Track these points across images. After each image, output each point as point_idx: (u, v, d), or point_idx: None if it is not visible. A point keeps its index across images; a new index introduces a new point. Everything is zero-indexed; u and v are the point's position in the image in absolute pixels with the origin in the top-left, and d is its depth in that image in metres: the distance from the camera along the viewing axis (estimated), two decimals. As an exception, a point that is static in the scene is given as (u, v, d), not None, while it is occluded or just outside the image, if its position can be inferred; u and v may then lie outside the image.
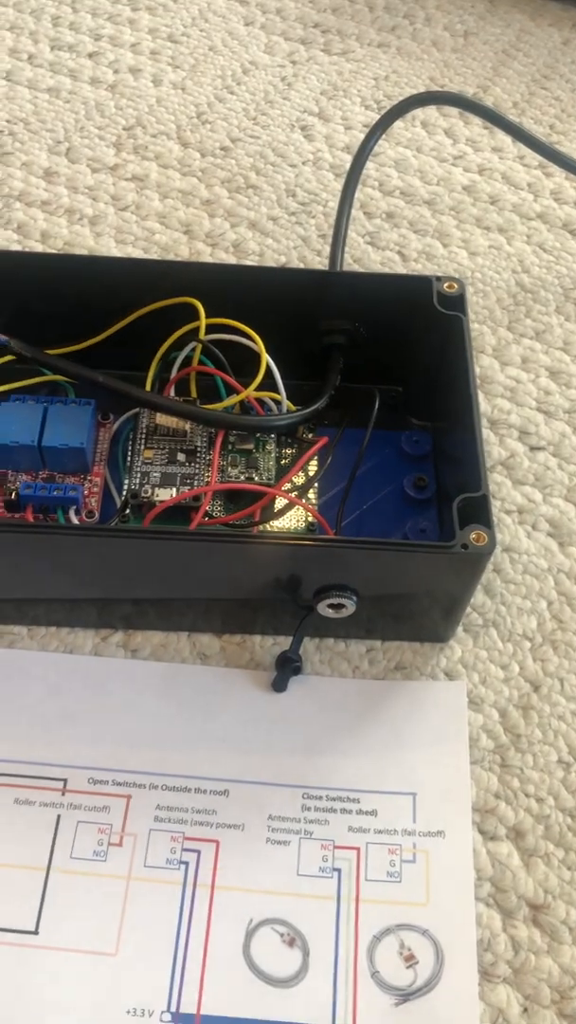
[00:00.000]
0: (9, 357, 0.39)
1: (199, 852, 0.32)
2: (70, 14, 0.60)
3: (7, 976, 0.30)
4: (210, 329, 0.39)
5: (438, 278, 0.40)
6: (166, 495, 0.37)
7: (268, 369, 0.38)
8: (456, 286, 0.39)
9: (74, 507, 0.37)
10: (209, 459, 0.38)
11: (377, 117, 0.47)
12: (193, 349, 0.39)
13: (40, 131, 0.53)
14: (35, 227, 0.49)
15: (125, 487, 0.38)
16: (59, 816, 0.33)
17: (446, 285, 0.39)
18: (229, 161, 0.53)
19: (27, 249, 0.48)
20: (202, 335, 0.38)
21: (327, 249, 0.50)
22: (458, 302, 0.39)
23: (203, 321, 0.38)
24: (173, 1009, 0.30)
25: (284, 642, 0.37)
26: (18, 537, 0.33)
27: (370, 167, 0.52)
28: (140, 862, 0.32)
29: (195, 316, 0.39)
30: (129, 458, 0.39)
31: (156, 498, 0.37)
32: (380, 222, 0.51)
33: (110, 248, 0.48)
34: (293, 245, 0.50)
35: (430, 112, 0.57)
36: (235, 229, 0.50)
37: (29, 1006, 0.30)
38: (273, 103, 0.56)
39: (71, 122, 0.54)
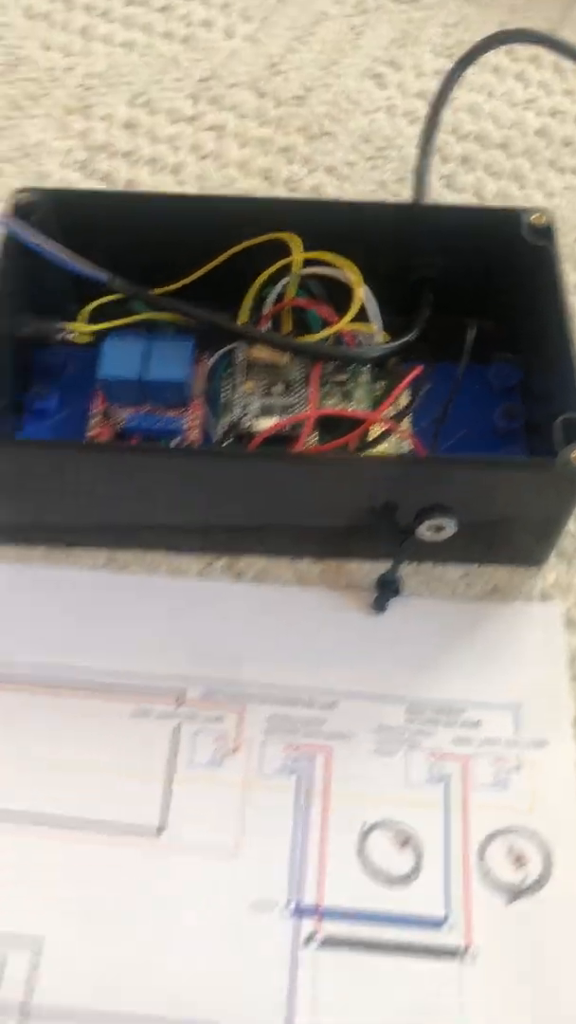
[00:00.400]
0: (111, 296, 0.40)
1: (311, 760, 0.34)
2: (140, -30, 0.61)
3: (135, 874, 0.32)
4: (304, 265, 0.40)
5: (525, 210, 0.40)
6: (267, 424, 0.38)
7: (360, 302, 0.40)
8: (544, 218, 0.40)
9: (178, 438, 0.39)
10: (305, 391, 0.39)
11: (447, 64, 0.47)
12: (287, 284, 0.40)
13: (118, 84, 0.54)
14: (120, 176, 0.50)
15: (224, 419, 0.39)
16: (177, 726, 0.34)
17: (534, 217, 0.40)
18: (304, 110, 0.54)
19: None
20: (297, 269, 0.39)
21: (404, 192, 0.51)
22: (546, 233, 0.39)
23: (297, 255, 0.39)
24: (294, 903, 0.31)
25: (380, 567, 0.38)
26: (136, 460, 0.34)
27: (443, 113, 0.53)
28: (256, 769, 0.33)
29: (286, 254, 0.40)
30: (225, 392, 0.40)
31: (257, 428, 0.38)
32: (455, 166, 0.52)
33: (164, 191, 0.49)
34: (370, 189, 0.50)
35: (500, 59, 0.57)
36: (313, 174, 0.51)
37: (156, 903, 0.31)
38: (344, 52, 0.57)
39: (147, 75, 0.55)
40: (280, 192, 0.50)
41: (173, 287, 0.42)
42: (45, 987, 0.30)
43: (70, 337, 0.40)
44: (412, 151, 0.51)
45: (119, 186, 0.50)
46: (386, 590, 0.37)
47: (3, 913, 0.31)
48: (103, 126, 0.53)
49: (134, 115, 0.53)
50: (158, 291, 0.41)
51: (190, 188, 0.50)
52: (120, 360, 0.39)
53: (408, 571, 0.38)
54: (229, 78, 0.55)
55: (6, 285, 0.38)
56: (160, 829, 0.32)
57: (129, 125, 0.53)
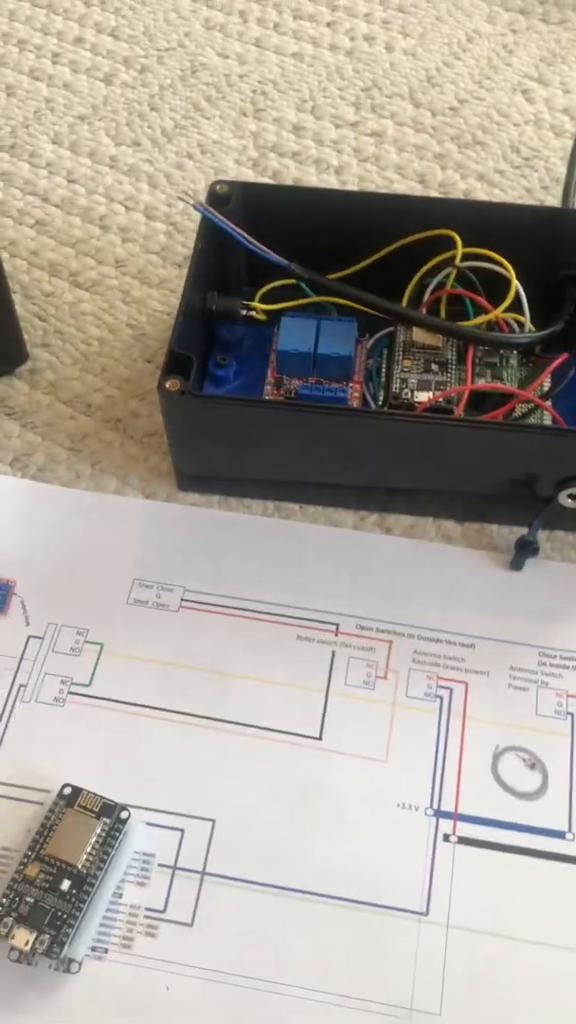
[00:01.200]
0: (283, 280, 0.46)
1: (451, 689, 0.38)
2: (308, -13, 0.66)
3: (298, 770, 0.37)
4: (463, 259, 0.44)
5: None
6: (424, 397, 0.43)
7: (514, 294, 0.44)
8: None
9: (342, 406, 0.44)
10: (458, 370, 0.44)
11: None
12: (447, 275, 0.45)
13: (288, 91, 0.60)
14: (288, 175, 0.56)
15: (383, 392, 0.44)
16: (333, 652, 0.39)
17: None
18: (457, 120, 0.58)
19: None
20: (458, 262, 0.44)
21: (548, 200, 0.55)
22: None
23: (460, 250, 0.44)
24: (435, 807, 0.36)
25: (516, 532, 0.43)
26: (317, 418, 0.39)
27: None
28: (402, 693, 0.38)
29: (446, 248, 0.45)
30: (384, 369, 0.45)
31: (415, 399, 0.43)
32: (596, 177, 0.56)
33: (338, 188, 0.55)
34: (518, 196, 0.55)
35: None
36: (465, 180, 0.55)
37: (315, 796, 0.36)
38: (496, 68, 0.61)
39: (315, 83, 0.60)
40: (434, 195, 0.55)
41: (341, 274, 0.47)
42: (218, 857, 0.35)
43: (251, 314, 0.46)
44: (557, 161, 0.55)
45: (288, 183, 0.55)
46: (524, 550, 0.41)
47: (189, 796, 0.37)
48: (274, 128, 0.58)
49: (302, 119, 0.59)
50: (334, 276, 0.46)
51: (352, 188, 0.55)
52: (296, 336, 0.44)
53: (543, 538, 0.43)
54: (389, 88, 0.60)
55: (201, 266, 0.44)
56: (320, 734, 0.38)
57: (297, 128, 0.58)
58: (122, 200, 0.55)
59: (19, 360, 0.48)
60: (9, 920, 0.33)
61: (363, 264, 0.46)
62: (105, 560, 0.42)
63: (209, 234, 0.45)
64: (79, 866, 0.34)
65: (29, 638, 0.40)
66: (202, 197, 0.45)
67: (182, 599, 0.41)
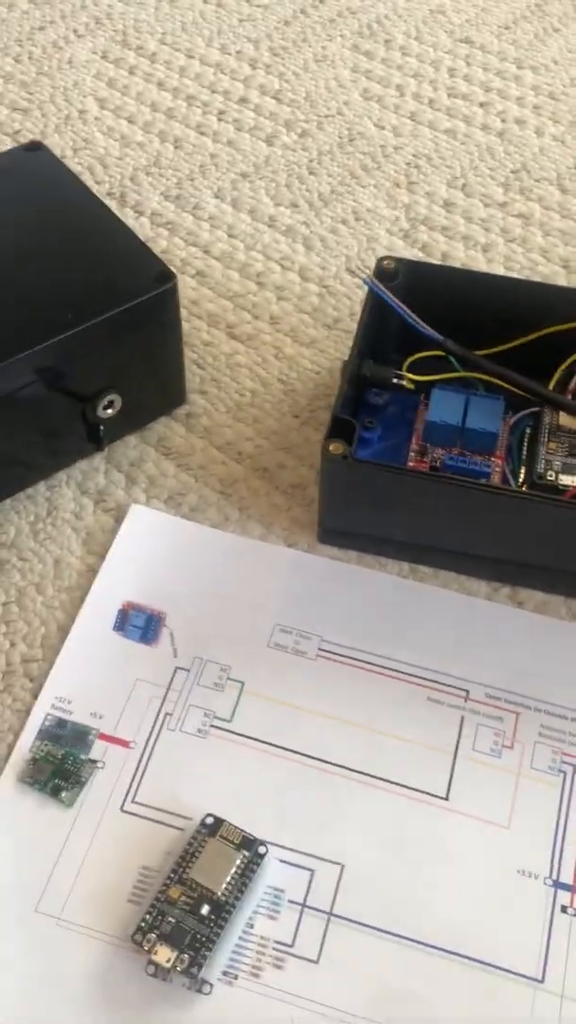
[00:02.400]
0: (431, 352, 0.48)
1: (575, 766, 0.40)
2: (464, 68, 0.69)
3: (423, 827, 0.39)
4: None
5: None
6: (569, 480, 0.45)
7: None
8: None
9: (484, 479, 0.46)
10: (599, 458, 0.46)
11: None
12: (595, 365, 0.47)
13: (440, 166, 0.63)
14: (437, 249, 0.59)
15: (523, 470, 0.47)
16: (463, 717, 0.41)
17: None
18: (602, 209, 0.61)
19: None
20: (606, 355, 0.46)
21: None
22: None
23: (609, 343, 0.46)
24: (554, 877, 0.38)
25: None
26: (461, 491, 0.42)
27: None
28: (527, 763, 0.40)
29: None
30: (525, 448, 0.47)
31: (560, 481, 0.45)
32: None
33: (499, 273, 0.57)
34: None
35: None
36: (608, 269, 0.58)
37: (438, 852, 0.38)
38: None
39: (466, 161, 0.63)
40: (576, 280, 0.57)
41: (490, 351, 0.49)
42: (345, 901, 0.38)
43: (402, 383, 0.49)
44: None
45: (435, 257, 0.58)
46: None
47: (320, 839, 0.39)
48: (425, 202, 0.61)
49: (452, 195, 0.61)
50: (484, 353, 0.49)
51: (497, 268, 0.58)
52: (446, 408, 0.47)
53: None
54: (537, 172, 0.63)
55: (364, 334, 0.47)
56: (447, 795, 0.40)
57: (448, 204, 0.61)
58: (278, 259, 0.58)
59: (178, 403, 0.51)
60: (152, 936, 0.36)
61: (513, 344, 0.49)
62: (250, 602, 0.45)
63: (373, 306, 0.47)
64: (219, 893, 0.36)
65: (176, 669, 0.43)
66: (363, 263, 0.48)
67: (319, 648, 0.44)
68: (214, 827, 0.38)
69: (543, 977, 0.36)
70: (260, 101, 0.67)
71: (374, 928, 0.37)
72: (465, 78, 0.69)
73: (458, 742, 0.41)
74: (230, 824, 0.38)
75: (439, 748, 0.41)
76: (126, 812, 0.39)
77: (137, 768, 0.40)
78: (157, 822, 0.39)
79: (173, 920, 0.36)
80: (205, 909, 0.36)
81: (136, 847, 0.39)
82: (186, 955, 0.35)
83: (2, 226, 0.47)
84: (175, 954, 0.35)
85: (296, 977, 0.36)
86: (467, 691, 0.42)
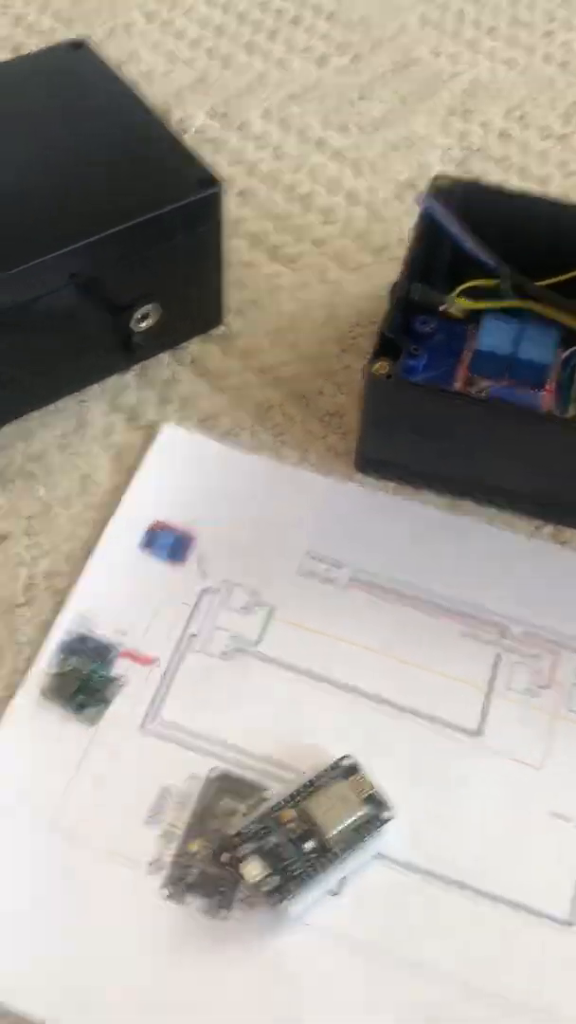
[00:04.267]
0: (485, 280, 0.46)
1: (615, 709, 0.39)
2: (527, -4, 0.66)
3: (456, 762, 0.37)
4: None
5: None
6: (622, 415, 0.43)
7: None
8: None
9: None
10: None
11: None
12: None
13: (497, 97, 0.60)
14: (491, 180, 0.56)
15: (573, 406, 0.44)
16: (499, 654, 0.40)
17: None
18: None
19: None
20: None
21: None
22: None
23: None
24: (589, 821, 0.36)
25: None
26: (510, 419, 0.40)
27: None
28: (564, 705, 0.39)
29: None
30: (576, 383, 0.45)
31: (613, 417, 0.43)
32: None
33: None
34: None
35: None
36: None
37: (469, 788, 0.37)
38: None
39: (524, 92, 0.60)
40: None
41: (546, 282, 0.47)
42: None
43: (450, 309, 0.46)
44: None
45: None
46: None
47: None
48: (480, 132, 0.58)
49: (509, 126, 0.59)
50: (542, 283, 0.46)
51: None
52: (497, 337, 0.45)
53: None
54: (602, 106, 0.60)
55: (415, 256, 0.44)
56: (479, 731, 0.38)
57: (503, 135, 0.58)
58: (325, 182, 0.56)
59: (215, 323, 0.49)
60: (250, 846, 0.34)
61: (569, 276, 0.47)
62: (281, 528, 0.43)
63: (425, 226, 0.45)
64: (328, 836, 0.35)
65: (204, 591, 0.41)
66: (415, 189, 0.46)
67: (351, 577, 0.42)
68: (348, 771, 0.36)
69: (573, 920, 0.35)
70: (313, 22, 0.64)
71: (399, 862, 0.36)
72: (528, 6, 0.66)
73: (493, 679, 0.39)
74: (365, 775, 0.36)
75: (473, 684, 0.39)
76: (147, 731, 0.38)
77: (160, 687, 0.39)
78: (179, 743, 0.38)
79: (275, 841, 0.34)
80: (309, 845, 0.34)
81: (156, 768, 0.37)
82: (276, 878, 0.34)
83: (42, 123, 0.45)
84: (266, 873, 0.34)
85: (317, 907, 0.35)
86: (504, 628, 0.40)
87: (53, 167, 0.44)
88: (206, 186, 0.43)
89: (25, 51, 0.60)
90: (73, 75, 0.47)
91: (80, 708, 0.38)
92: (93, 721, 0.38)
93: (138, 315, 0.45)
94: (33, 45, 0.61)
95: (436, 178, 0.46)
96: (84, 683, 0.39)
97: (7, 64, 0.49)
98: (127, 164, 0.44)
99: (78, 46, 0.48)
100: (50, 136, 0.45)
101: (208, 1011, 0.33)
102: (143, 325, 0.46)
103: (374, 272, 0.52)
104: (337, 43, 0.63)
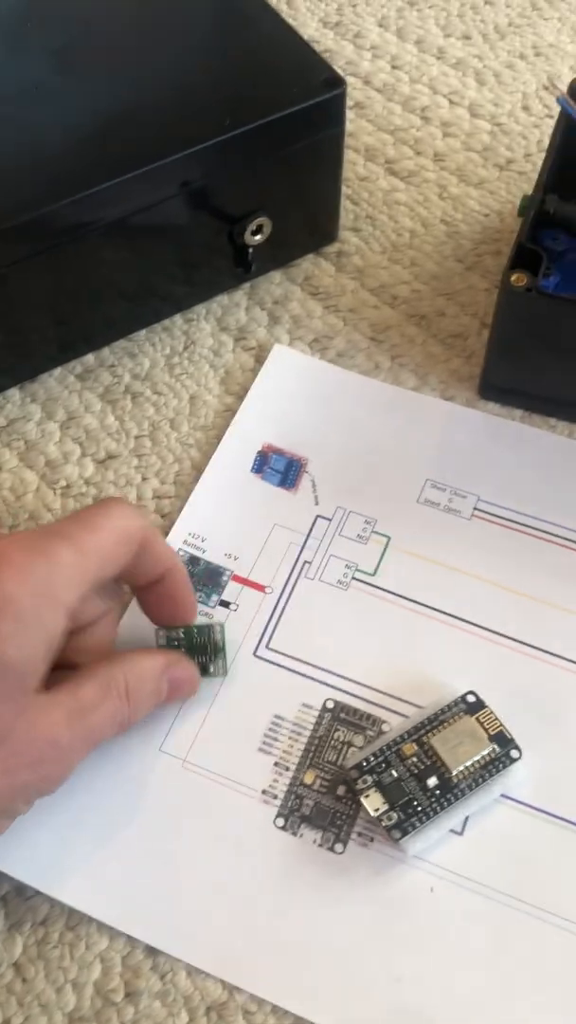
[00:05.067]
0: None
1: None
2: None
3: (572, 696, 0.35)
4: None
5: None
6: None
7: None
8: None
9: None
10: None
11: None
12: None
13: None
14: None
15: None
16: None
17: None
18: None
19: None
20: None
21: None
22: None
23: None
24: None
25: None
26: None
27: None
28: None
29: None
30: None
31: None
32: None
33: None
34: None
35: None
36: None
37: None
38: None
39: None
40: None
41: None
42: (490, 772, 0.34)
43: (587, 224, 0.43)
44: None
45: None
46: None
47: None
48: (612, 40, 0.54)
49: None
50: None
51: None
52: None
53: None
54: None
55: (553, 162, 0.41)
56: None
57: None
58: (446, 93, 0.52)
59: (329, 239, 0.47)
60: (369, 779, 0.33)
61: None
62: (399, 455, 0.41)
63: (565, 132, 0.42)
64: (454, 772, 0.33)
65: (317, 518, 0.40)
66: (563, 88, 0.42)
67: (475, 508, 0.40)
68: (474, 707, 0.34)
69: None
70: None
71: (524, 803, 0.34)
72: None
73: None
74: (491, 711, 0.34)
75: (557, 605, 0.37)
76: (259, 658, 0.36)
77: (272, 614, 0.37)
78: (291, 671, 0.36)
79: (396, 775, 0.33)
80: (432, 781, 0.33)
81: (268, 695, 0.36)
82: (395, 814, 0.32)
83: (159, 22, 0.42)
84: (386, 807, 0.32)
85: (438, 847, 0.33)
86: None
87: (168, 68, 0.41)
88: (331, 86, 0.40)
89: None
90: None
91: (203, 671, 0.36)
92: (224, 672, 0.36)
93: (251, 228, 0.43)
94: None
95: (575, 81, 0.42)
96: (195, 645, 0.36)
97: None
98: (246, 64, 0.41)
99: None
100: (167, 35, 0.42)
101: (319, 946, 0.32)
102: (256, 239, 0.43)
103: (499, 187, 0.49)
104: (459, -54, 0.59)
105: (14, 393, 0.43)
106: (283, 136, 0.40)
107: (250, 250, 0.43)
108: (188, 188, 0.40)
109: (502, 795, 0.34)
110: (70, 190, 0.37)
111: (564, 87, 0.42)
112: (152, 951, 0.32)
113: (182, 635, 0.36)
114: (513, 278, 0.37)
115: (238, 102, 0.40)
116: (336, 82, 0.41)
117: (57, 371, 0.43)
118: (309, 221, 0.46)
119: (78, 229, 0.39)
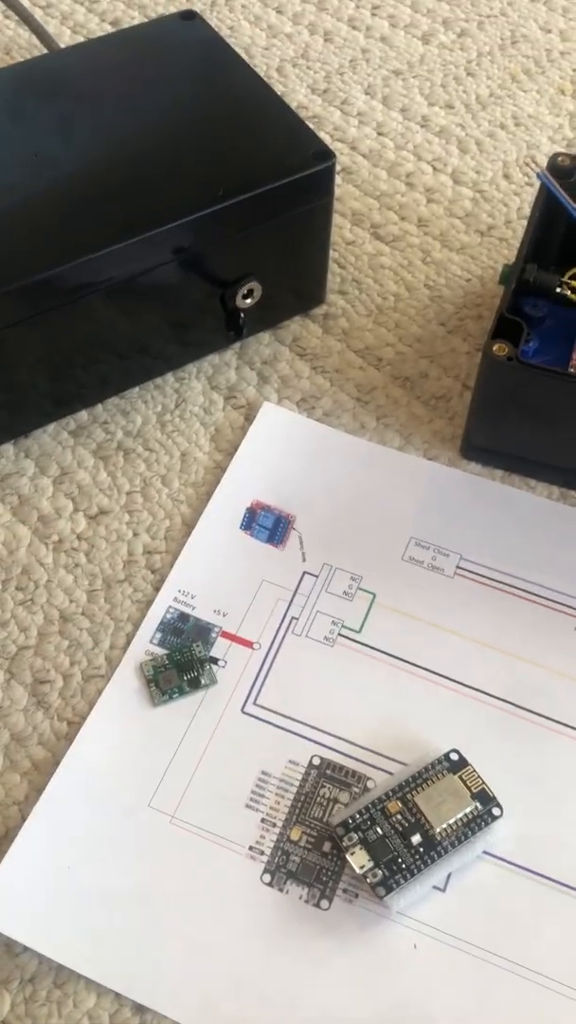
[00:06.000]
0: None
1: None
2: None
3: (568, 767, 0.36)
4: None
5: None
6: None
7: None
8: None
9: None
10: None
11: None
12: None
13: (610, 74, 0.58)
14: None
15: None
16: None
17: None
18: None
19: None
20: None
21: None
22: None
23: None
24: None
25: None
26: None
27: None
28: None
29: None
30: None
31: None
32: None
33: None
34: None
35: None
36: None
37: (578, 790, 0.36)
38: None
39: None
40: None
41: None
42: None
43: (567, 293, 0.45)
44: None
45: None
46: None
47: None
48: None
49: (624, 105, 0.57)
50: None
51: None
52: (616, 323, 0.43)
53: None
54: None
55: (533, 234, 0.43)
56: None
57: (618, 114, 0.56)
58: (430, 160, 0.54)
59: (317, 302, 0.48)
60: (355, 836, 0.34)
61: None
62: (384, 513, 0.42)
63: (544, 205, 0.44)
64: (437, 830, 0.34)
65: (304, 574, 0.41)
66: (531, 161, 0.44)
67: (458, 566, 0.41)
68: (457, 765, 0.35)
69: None
70: (417, -3, 0.63)
71: (506, 861, 0.35)
72: None
73: (606, 672, 0.38)
74: (474, 769, 0.35)
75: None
76: (247, 714, 0.37)
77: (260, 670, 0.38)
78: (279, 727, 0.37)
79: (381, 832, 0.34)
80: (416, 839, 0.33)
81: (256, 751, 0.36)
82: (380, 871, 0.33)
83: (154, 94, 0.44)
84: (371, 864, 0.33)
85: (421, 903, 0.34)
86: (611, 620, 0.39)
87: (164, 138, 0.43)
88: (321, 159, 0.42)
89: (128, 22, 0.60)
90: (184, 45, 0.46)
91: (181, 688, 0.37)
92: (194, 701, 0.37)
93: (242, 292, 0.44)
94: (136, 15, 0.60)
95: (556, 156, 0.44)
96: (185, 663, 0.38)
97: (121, 34, 0.49)
98: (242, 136, 0.43)
99: (189, 17, 0.47)
100: (162, 107, 0.44)
101: (305, 1001, 0.32)
102: (247, 302, 0.45)
103: (480, 252, 0.51)
104: (443, 18, 0.61)
105: (8, 448, 0.44)
106: (275, 206, 0.42)
107: (241, 314, 0.45)
108: (182, 254, 0.41)
109: (484, 852, 0.34)
110: (69, 256, 0.39)
111: (544, 162, 0.44)
112: (140, 1008, 0.33)
113: (167, 660, 0.37)
114: (495, 348, 0.39)
115: (231, 172, 0.41)
116: (326, 155, 0.42)
117: (51, 427, 0.45)
118: (298, 285, 0.47)
119: (75, 292, 0.40)
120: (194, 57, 0.46)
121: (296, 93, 0.57)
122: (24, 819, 0.35)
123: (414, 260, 0.51)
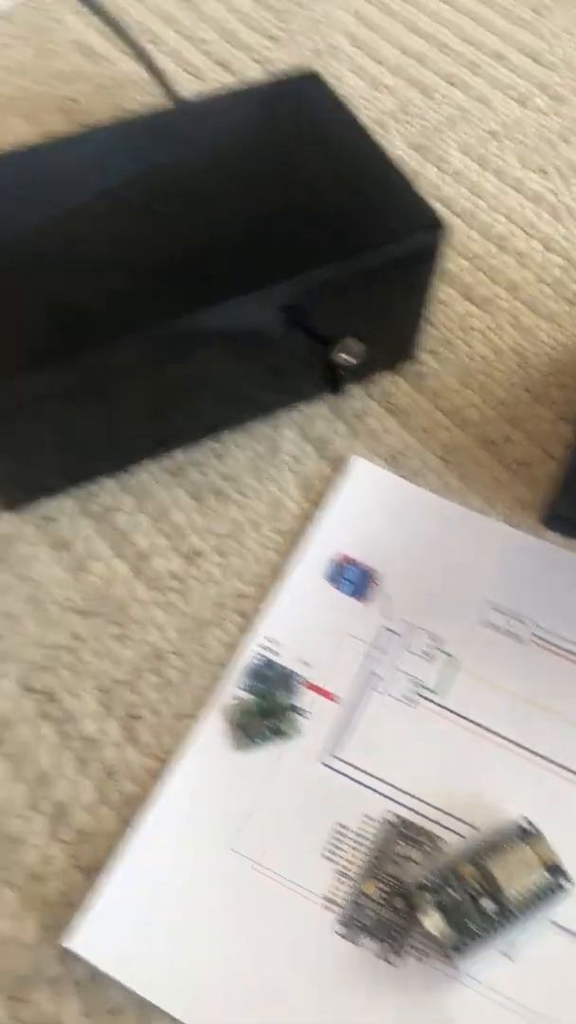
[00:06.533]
0: None
1: None
2: None
3: None
4: None
5: None
6: None
7: None
8: None
9: None
10: None
11: None
12: None
13: None
14: None
15: None
16: None
17: None
18: None
19: None
20: None
21: None
22: None
23: None
24: None
25: None
26: None
27: None
28: None
29: None
30: None
31: None
32: None
33: None
34: None
35: None
36: None
37: None
38: None
39: None
40: None
41: None
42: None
43: None
44: None
45: None
46: None
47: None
48: None
49: None
50: None
51: None
52: None
53: None
54: None
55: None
56: None
57: None
58: (522, 224, 0.56)
59: (407, 358, 0.50)
60: (430, 897, 0.35)
61: None
62: (463, 574, 0.43)
63: None
64: (508, 897, 0.35)
65: (385, 630, 0.42)
66: None
67: (533, 634, 0.42)
68: (529, 835, 0.36)
69: None
70: (516, 60, 0.64)
71: (573, 932, 0.36)
72: None
73: None
74: (545, 840, 0.36)
75: None
76: (327, 766, 0.39)
77: (341, 724, 0.39)
78: (357, 782, 0.38)
79: (455, 896, 0.35)
80: (487, 903, 0.35)
81: (334, 803, 0.38)
82: (452, 932, 0.34)
83: (273, 154, 0.46)
84: (444, 926, 0.34)
85: (488, 967, 0.35)
86: None
87: (279, 198, 0.44)
88: (432, 228, 0.43)
89: (234, 66, 0.62)
90: (304, 106, 0.48)
91: (264, 735, 0.39)
92: (275, 748, 0.39)
93: (340, 347, 0.46)
94: (242, 60, 0.62)
95: None
96: (270, 710, 0.39)
97: (245, 91, 0.50)
98: (353, 199, 0.44)
99: (311, 77, 0.48)
100: (279, 166, 0.45)
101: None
102: (344, 357, 0.46)
103: (568, 322, 0.52)
104: (539, 82, 0.63)
105: (110, 483, 0.45)
106: (383, 270, 0.43)
107: (340, 370, 0.46)
108: (288, 311, 0.43)
109: (551, 921, 0.36)
110: (189, 307, 0.40)
111: None
112: (212, 1045, 0.34)
113: (253, 707, 0.39)
114: (592, 430, 0.40)
115: (343, 236, 0.43)
116: (436, 224, 0.44)
117: (151, 465, 0.46)
118: (393, 342, 0.49)
119: (190, 340, 0.41)
120: (312, 117, 0.47)
121: (394, 147, 0.59)
122: (112, 852, 0.37)
123: (503, 323, 0.52)
